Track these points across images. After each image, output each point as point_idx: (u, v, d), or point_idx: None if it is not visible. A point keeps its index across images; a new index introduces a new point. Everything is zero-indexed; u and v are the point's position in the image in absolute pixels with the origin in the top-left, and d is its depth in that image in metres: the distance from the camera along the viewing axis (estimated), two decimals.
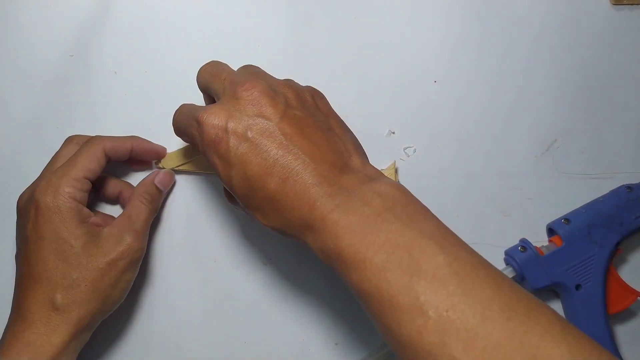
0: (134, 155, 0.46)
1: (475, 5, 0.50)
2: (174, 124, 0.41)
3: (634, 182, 0.48)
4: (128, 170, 0.49)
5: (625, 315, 0.47)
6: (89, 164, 0.42)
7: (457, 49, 0.50)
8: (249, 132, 0.35)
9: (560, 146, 0.49)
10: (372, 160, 0.48)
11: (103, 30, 0.50)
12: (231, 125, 0.36)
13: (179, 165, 0.48)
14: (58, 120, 0.49)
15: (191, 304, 0.48)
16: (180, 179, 0.49)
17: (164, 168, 0.48)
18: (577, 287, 0.44)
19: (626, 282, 0.46)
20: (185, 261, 0.48)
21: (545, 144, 0.49)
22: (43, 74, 0.50)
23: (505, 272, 0.44)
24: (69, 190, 0.41)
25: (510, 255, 0.46)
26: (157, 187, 0.46)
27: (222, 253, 0.48)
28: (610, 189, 0.49)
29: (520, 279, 0.45)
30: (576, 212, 0.46)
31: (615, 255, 0.46)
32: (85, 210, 0.42)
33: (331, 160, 0.35)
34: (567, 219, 0.46)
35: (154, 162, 0.48)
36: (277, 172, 0.35)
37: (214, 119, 0.36)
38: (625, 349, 0.46)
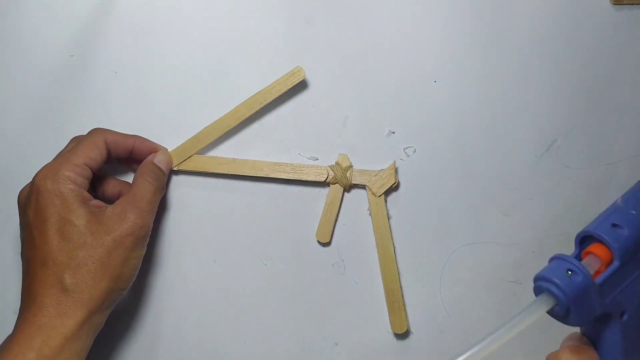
0: (135, 154, 0.46)
1: (475, 5, 0.50)
2: None
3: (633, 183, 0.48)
4: (128, 171, 0.49)
5: None
6: (90, 151, 0.43)
7: (457, 49, 0.50)
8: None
9: (560, 146, 0.49)
10: (372, 160, 0.49)
11: (103, 30, 0.50)
12: None
13: (179, 164, 0.48)
14: (58, 120, 0.49)
15: (191, 303, 0.48)
16: (180, 179, 0.49)
17: None
18: (622, 314, 0.34)
19: None
20: (185, 261, 0.48)
21: (545, 144, 0.49)
22: (43, 74, 0.50)
23: (539, 304, 0.32)
24: (69, 174, 0.41)
25: (551, 281, 0.32)
26: (157, 167, 0.46)
27: (222, 253, 0.48)
28: (610, 190, 0.49)
29: (562, 313, 0.32)
30: (624, 213, 0.33)
31: None
32: (86, 193, 0.42)
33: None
34: (615, 223, 0.33)
35: None
36: None
37: None
38: None
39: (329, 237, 0.48)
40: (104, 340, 0.47)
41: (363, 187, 0.48)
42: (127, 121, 0.49)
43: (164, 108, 0.50)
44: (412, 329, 0.48)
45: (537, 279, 0.33)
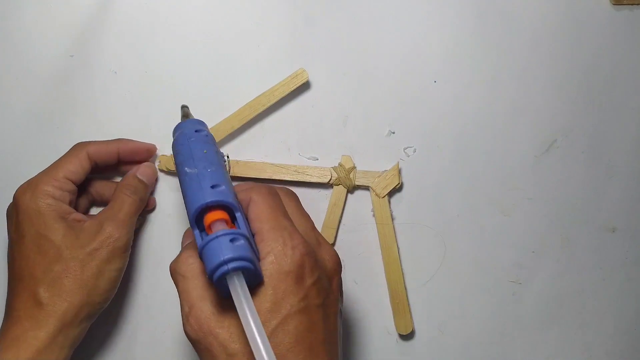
0: (123, 158, 0.46)
1: (475, 5, 0.50)
2: (254, 196, 0.36)
3: (633, 183, 0.48)
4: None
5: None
6: (70, 164, 0.43)
7: (457, 49, 0.50)
8: (324, 299, 0.34)
9: (560, 146, 0.49)
10: (372, 160, 0.49)
11: (103, 30, 0.50)
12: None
13: None
14: (58, 120, 0.49)
15: None
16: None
17: (167, 169, 0.48)
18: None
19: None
20: None
21: (545, 144, 0.49)
22: (43, 74, 0.50)
23: (238, 285, 0.31)
24: (47, 189, 0.41)
25: (230, 260, 0.31)
26: (139, 179, 0.45)
27: None
28: (610, 190, 0.49)
29: (254, 274, 0.32)
30: (208, 174, 0.34)
31: None
32: (66, 207, 0.42)
33: None
34: (213, 185, 0.34)
35: (157, 162, 0.48)
36: (318, 349, 0.33)
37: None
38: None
39: (333, 239, 0.48)
40: (102, 339, 0.47)
41: (366, 188, 0.48)
42: (126, 121, 0.49)
43: (164, 108, 0.50)
44: (413, 330, 0.48)
45: (214, 268, 0.31)
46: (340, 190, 0.48)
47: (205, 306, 0.33)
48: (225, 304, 0.33)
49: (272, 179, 0.48)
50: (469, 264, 0.48)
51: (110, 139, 0.47)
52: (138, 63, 0.50)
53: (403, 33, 0.50)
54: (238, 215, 0.34)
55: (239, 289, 0.31)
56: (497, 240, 0.49)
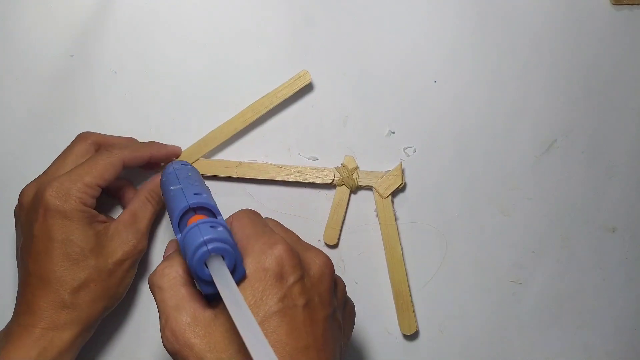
0: (153, 161, 0.47)
1: (475, 5, 0.50)
2: (234, 216, 0.37)
3: (633, 183, 0.48)
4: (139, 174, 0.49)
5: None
6: (105, 172, 0.42)
7: (457, 49, 0.50)
8: (308, 300, 0.32)
9: (560, 146, 0.49)
10: (372, 160, 0.49)
11: (103, 30, 0.50)
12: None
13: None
14: (58, 120, 0.49)
15: None
16: None
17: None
18: None
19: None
20: None
21: (545, 144, 0.49)
22: (43, 74, 0.50)
23: (218, 268, 0.32)
24: (80, 196, 0.41)
25: (209, 242, 0.31)
26: None
27: None
28: (610, 190, 0.49)
29: (232, 262, 0.33)
30: (189, 186, 0.37)
31: None
32: (94, 212, 0.42)
33: None
34: (196, 193, 0.36)
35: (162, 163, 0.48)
36: (299, 356, 0.31)
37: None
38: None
39: (337, 239, 0.48)
40: (101, 339, 0.47)
41: (369, 188, 0.48)
42: (126, 121, 0.49)
43: (164, 108, 0.50)
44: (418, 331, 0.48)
45: (194, 251, 0.31)
46: (343, 190, 0.48)
47: (180, 317, 0.32)
48: (201, 314, 0.32)
49: (275, 180, 0.48)
50: (469, 264, 0.48)
51: (142, 143, 0.46)
52: (138, 63, 0.50)
53: (403, 33, 0.50)
54: (219, 217, 0.34)
55: (220, 272, 0.30)
56: (497, 240, 0.49)
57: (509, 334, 0.47)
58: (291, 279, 0.32)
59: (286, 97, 0.48)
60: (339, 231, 0.48)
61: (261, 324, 0.31)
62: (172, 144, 0.48)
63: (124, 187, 0.47)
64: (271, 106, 0.48)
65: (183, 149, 0.48)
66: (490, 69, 0.50)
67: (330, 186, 0.48)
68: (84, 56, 0.50)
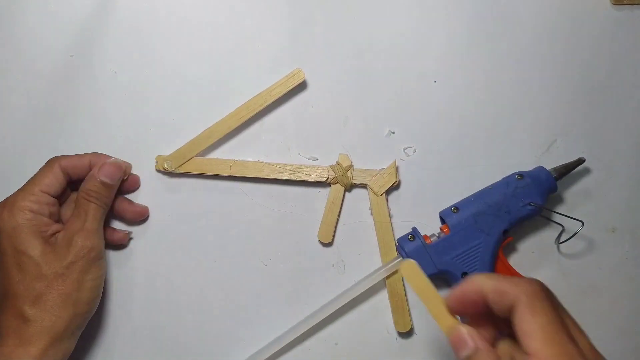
0: (91, 167, 0.45)
1: (475, 5, 0.50)
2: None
3: (633, 183, 0.48)
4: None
5: None
6: (44, 177, 0.43)
7: (457, 49, 0.50)
8: None
9: (560, 146, 0.49)
10: (373, 161, 0.49)
11: (103, 30, 0.50)
12: None
13: (179, 166, 0.48)
14: (58, 120, 0.49)
15: (191, 303, 0.48)
16: (181, 182, 0.49)
17: (164, 169, 0.48)
18: (464, 274, 0.44)
19: (517, 270, 0.45)
20: (186, 261, 0.48)
21: (545, 144, 0.49)
22: (43, 74, 0.50)
23: (395, 262, 0.45)
24: (24, 204, 0.42)
25: (400, 245, 0.45)
26: (101, 182, 0.44)
27: (222, 253, 0.48)
28: (610, 189, 0.49)
29: None
30: (466, 201, 0.46)
31: (505, 244, 0.45)
32: (45, 219, 0.42)
33: None
34: (456, 207, 0.45)
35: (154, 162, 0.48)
36: None
37: None
38: None
39: (331, 237, 0.48)
40: (101, 339, 0.47)
41: (364, 186, 0.48)
42: (126, 121, 0.49)
43: (164, 108, 0.50)
44: (413, 329, 0.48)
45: (396, 242, 0.46)
46: (338, 188, 0.48)
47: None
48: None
49: (270, 179, 0.48)
50: None
51: (84, 153, 0.46)
52: (138, 63, 0.50)
53: (403, 33, 0.50)
54: (445, 235, 0.45)
55: (391, 262, 0.43)
56: None
57: None
58: None
59: (280, 95, 0.48)
60: (333, 229, 0.48)
61: None
62: (172, 143, 0.48)
63: (120, 203, 0.47)
64: (265, 104, 0.48)
65: None
66: (490, 69, 0.50)
67: (325, 184, 0.48)
68: (84, 56, 0.50)
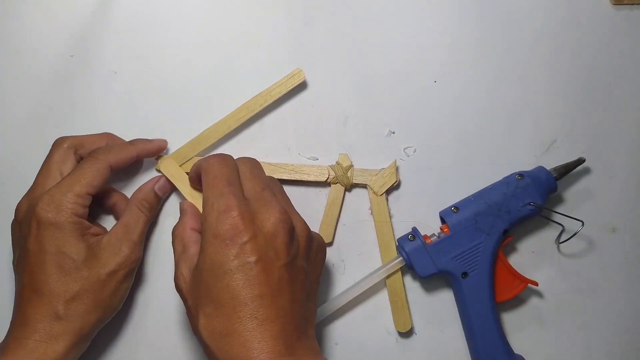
0: (139, 159, 0.47)
1: (475, 5, 0.50)
2: (203, 166, 0.40)
3: (633, 183, 0.48)
4: (125, 174, 0.49)
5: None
6: (93, 180, 0.42)
7: (457, 49, 0.50)
8: (262, 255, 0.36)
9: (560, 146, 0.49)
10: (373, 160, 0.49)
11: (103, 30, 0.50)
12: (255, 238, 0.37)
13: (180, 166, 0.48)
14: (58, 120, 0.49)
15: None
16: None
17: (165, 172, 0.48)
18: (464, 275, 0.44)
19: (517, 270, 0.46)
20: None
21: (545, 144, 0.49)
22: (43, 74, 0.50)
23: (395, 262, 0.46)
24: (71, 207, 0.41)
25: (400, 245, 0.46)
26: (155, 194, 0.46)
27: None
28: (610, 189, 0.49)
29: (410, 265, 0.45)
30: (466, 201, 0.46)
31: (505, 244, 0.46)
32: (86, 223, 0.42)
33: (296, 323, 0.36)
34: (456, 207, 0.45)
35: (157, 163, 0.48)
36: (254, 304, 0.35)
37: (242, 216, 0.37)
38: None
39: (332, 237, 0.48)
40: (101, 339, 0.47)
41: (364, 186, 0.48)
42: (126, 121, 0.49)
43: (163, 108, 0.50)
44: (413, 329, 0.48)
45: (397, 242, 0.47)
46: (338, 188, 0.48)
47: (178, 267, 0.39)
48: (193, 264, 0.38)
49: None
50: None
51: (125, 142, 0.46)
52: (138, 63, 0.50)
53: (403, 33, 0.50)
54: (444, 235, 0.45)
55: (392, 262, 0.45)
56: None
57: (509, 334, 0.47)
58: (243, 239, 0.36)
59: (280, 94, 0.48)
60: (333, 229, 0.48)
61: (218, 280, 0.35)
62: (172, 143, 0.48)
63: (117, 200, 0.47)
64: (265, 104, 0.48)
65: None
66: (490, 69, 0.50)
67: (325, 184, 0.48)
68: (84, 56, 0.50)
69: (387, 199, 0.48)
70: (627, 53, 0.50)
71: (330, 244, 0.48)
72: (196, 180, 0.43)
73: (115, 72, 0.50)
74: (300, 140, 0.49)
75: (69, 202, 0.41)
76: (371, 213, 0.48)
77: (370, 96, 0.50)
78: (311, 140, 0.49)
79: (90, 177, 0.42)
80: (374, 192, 0.47)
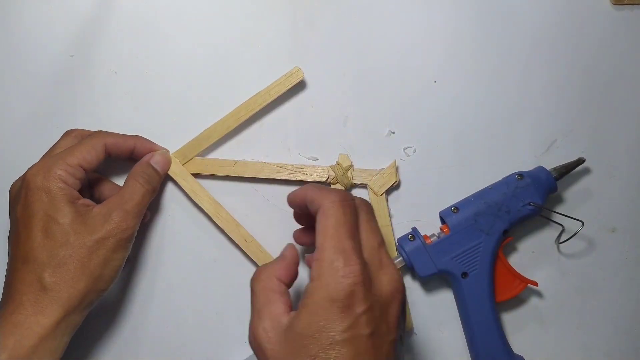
0: (136, 155, 0.46)
1: (475, 5, 0.50)
2: (324, 205, 0.36)
3: (633, 183, 0.48)
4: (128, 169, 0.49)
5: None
6: (86, 153, 0.42)
7: (457, 49, 0.50)
8: (375, 329, 0.33)
9: (560, 146, 0.49)
10: (373, 160, 0.49)
11: (103, 30, 0.50)
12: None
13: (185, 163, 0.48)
14: (58, 120, 0.49)
15: (191, 303, 0.48)
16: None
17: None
18: (464, 275, 0.44)
19: (517, 270, 0.46)
20: (185, 261, 0.48)
21: (545, 144, 0.49)
22: (43, 74, 0.50)
23: (395, 262, 0.45)
24: (60, 173, 0.41)
25: (400, 245, 0.46)
26: (153, 168, 0.45)
27: (222, 253, 0.48)
28: (610, 189, 0.49)
29: (410, 266, 0.45)
30: (466, 201, 0.46)
31: (505, 244, 0.46)
32: (75, 193, 0.42)
33: None
34: (456, 207, 0.45)
35: None
36: None
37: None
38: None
39: None
40: (101, 338, 0.47)
41: (364, 186, 0.48)
42: (126, 121, 0.49)
43: (163, 108, 0.50)
44: (413, 329, 0.48)
45: (397, 242, 0.46)
46: (338, 188, 0.48)
47: (260, 322, 0.35)
48: (279, 321, 0.34)
49: (270, 179, 0.48)
50: None
51: (128, 134, 0.46)
52: (138, 63, 0.50)
53: (403, 33, 0.50)
54: (444, 235, 0.45)
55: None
56: None
57: (509, 334, 0.47)
58: (359, 310, 0.32)
59: (279, 93, 0.48)
60: None
61: (324, 350, 0.32)
62: (173, 143, 0.48)
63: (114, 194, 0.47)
64: (264, 103, 0.48)
65: None
66: (490, 69, 0.50)
67: (325, 184, 0.48)
68: (84, 56, 0.50)
69: (387, 199, 0.48)
70: (627, 53, 0.50)
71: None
72: (299, 206, 0.39)
73: (115, 72, 0.50)
74: (300, 140, 0.49)
75: (59, 168, 0.41)
76: None
77: (370, 96, 0.50)
78: (311, 140, 0.49)
79: (84, 150, 0.42)
80: (374, 192, 0.47)
